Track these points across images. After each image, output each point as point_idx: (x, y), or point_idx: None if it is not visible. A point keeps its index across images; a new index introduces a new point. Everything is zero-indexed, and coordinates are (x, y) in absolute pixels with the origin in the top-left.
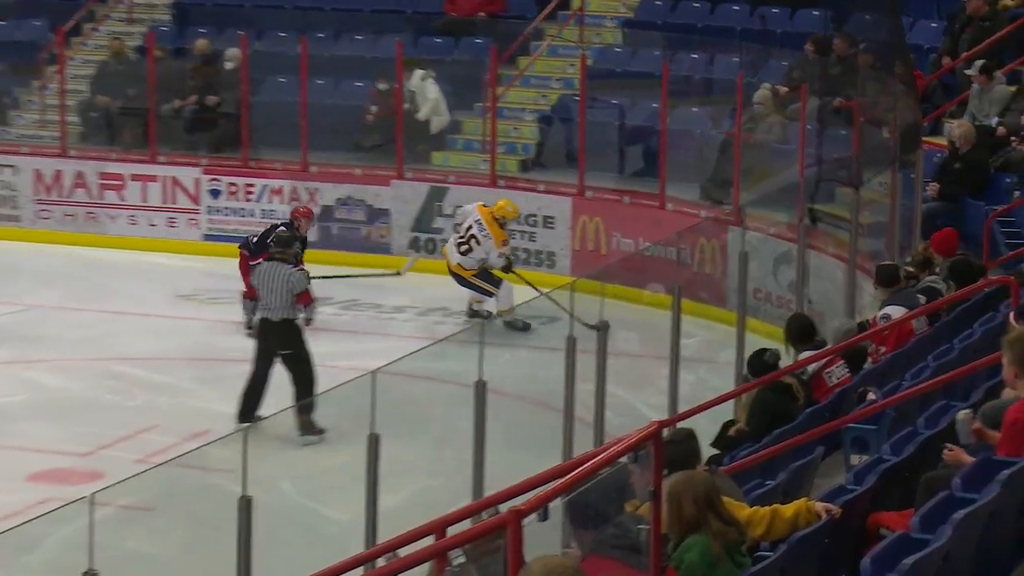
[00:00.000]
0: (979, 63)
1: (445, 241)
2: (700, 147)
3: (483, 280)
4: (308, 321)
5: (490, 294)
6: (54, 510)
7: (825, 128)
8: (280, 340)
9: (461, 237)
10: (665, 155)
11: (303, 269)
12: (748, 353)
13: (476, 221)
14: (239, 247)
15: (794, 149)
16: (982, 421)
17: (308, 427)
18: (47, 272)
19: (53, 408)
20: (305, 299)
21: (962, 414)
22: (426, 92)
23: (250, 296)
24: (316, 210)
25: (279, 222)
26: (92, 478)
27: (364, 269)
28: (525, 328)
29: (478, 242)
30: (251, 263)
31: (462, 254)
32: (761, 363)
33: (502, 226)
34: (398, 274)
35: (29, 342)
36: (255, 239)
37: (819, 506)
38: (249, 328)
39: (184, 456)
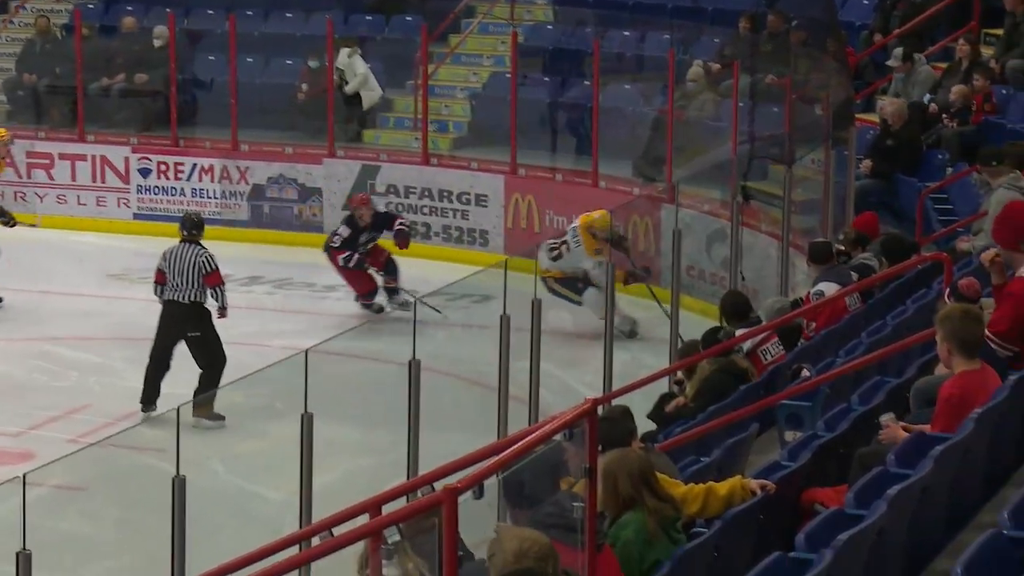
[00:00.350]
0: (898, 51)
1: None
2: (632, 124)
3: (566, 287)
4: (222, 311)
5: (575, 302)
6: None
7: (757, 105)
8: (189, 323)
9: (553, 242)
10: (597, 133)
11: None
12: (683, 330)
13: (572, 228)
14: (326, 253)
15: (726, 126)
16: (914, 398)
17: (207, 412)
18: None
19: None
20: (214, 280)
21: (884, 417)
22: (355, 68)
23: (159, 280)
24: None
25: (343, 222)
26: (24, 459)
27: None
28: (632, 335)
29: (569, 249)
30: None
31: (552, 259)
32: (715, 341)
33: (594, 236)
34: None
35: None
36: (338, 240)
37: (754, 483)
38: None
39: (116, 436)
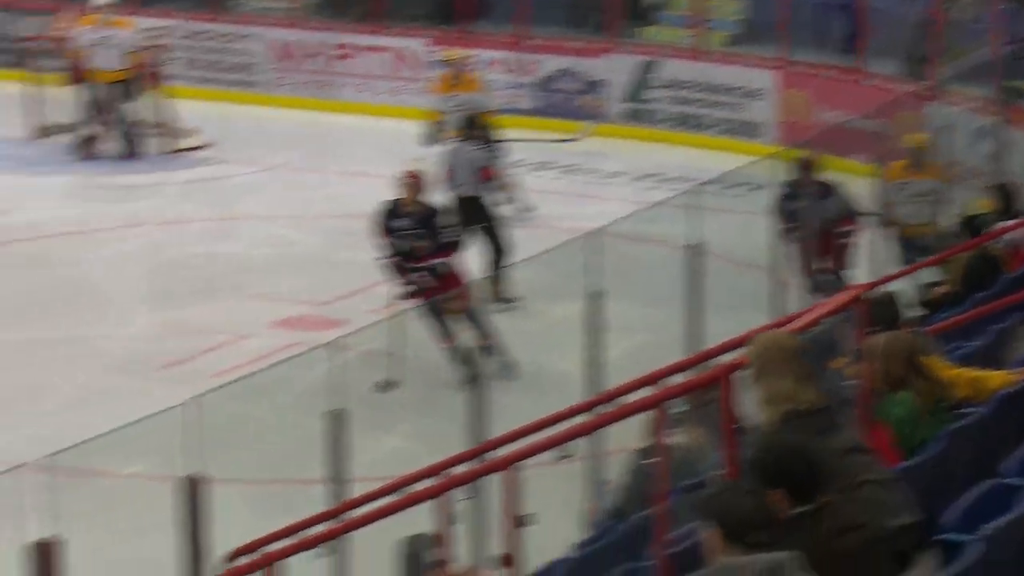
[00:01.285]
0: None
1: (656, 112)
2: (899, 23)
3: None
4: (508, 202)
5: None
6: (301, 354)
7: (1022, 7)
8: (470, 215)
9: None
10: (867, 31)
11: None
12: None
13: None
14: None
15: (989, 28)
16: None
17: (502, 296)
18: (285, 135)
19: (293, 261)
20: (486, 175)
21: None
22: None
23: (448, 176)
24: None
25: None
26: (332, 325)
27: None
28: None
29: None
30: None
31: None
32: (973, 227)
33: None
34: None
35: (270, 200)
36: None
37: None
38: None
39: (423, 306)
